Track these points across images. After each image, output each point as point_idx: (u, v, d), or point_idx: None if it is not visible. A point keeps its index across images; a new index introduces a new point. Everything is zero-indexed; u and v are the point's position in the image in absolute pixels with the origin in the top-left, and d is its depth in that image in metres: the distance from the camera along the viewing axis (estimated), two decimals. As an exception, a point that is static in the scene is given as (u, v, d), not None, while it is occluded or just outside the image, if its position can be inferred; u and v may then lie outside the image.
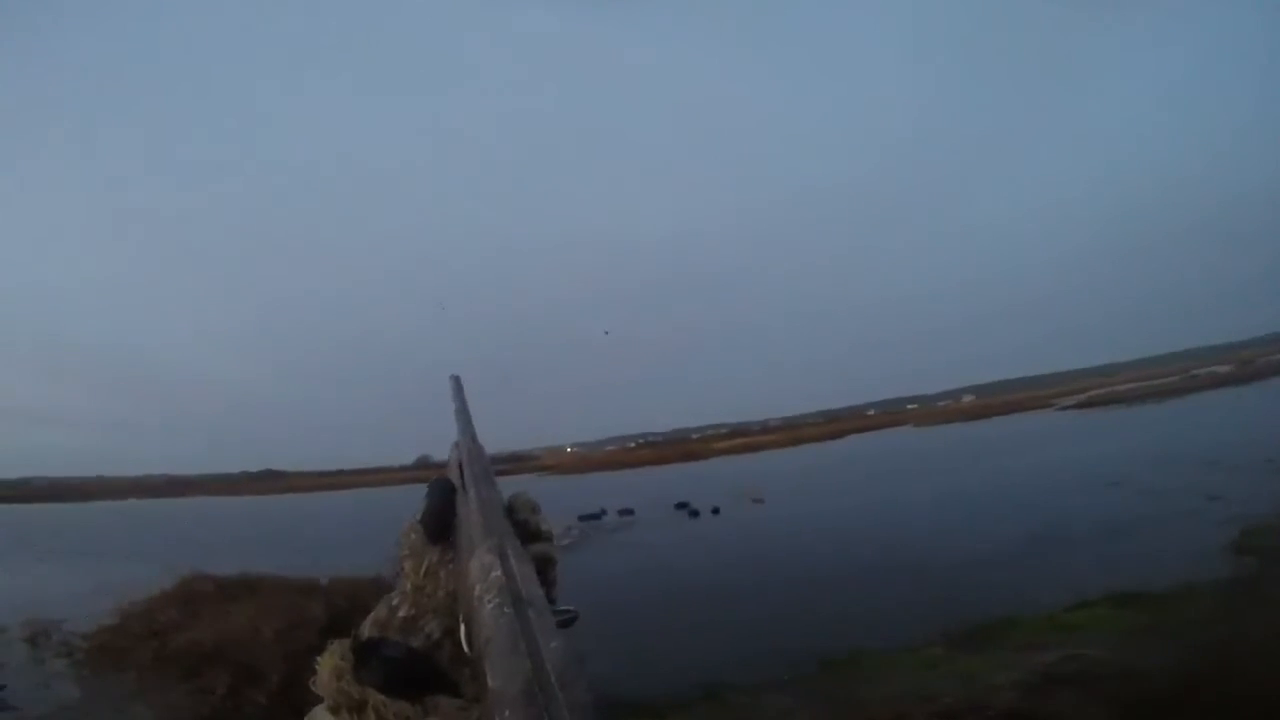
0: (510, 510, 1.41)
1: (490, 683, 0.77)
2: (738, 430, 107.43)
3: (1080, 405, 79.61)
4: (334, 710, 1.15)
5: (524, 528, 1.42)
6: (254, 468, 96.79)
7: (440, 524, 1.46)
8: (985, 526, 23.76)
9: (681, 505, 37.57)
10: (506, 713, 0.67)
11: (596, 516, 37.08)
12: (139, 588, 17.92)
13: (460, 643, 1.11)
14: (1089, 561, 17.79)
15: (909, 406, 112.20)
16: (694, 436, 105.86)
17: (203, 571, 19.70)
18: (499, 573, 0.95)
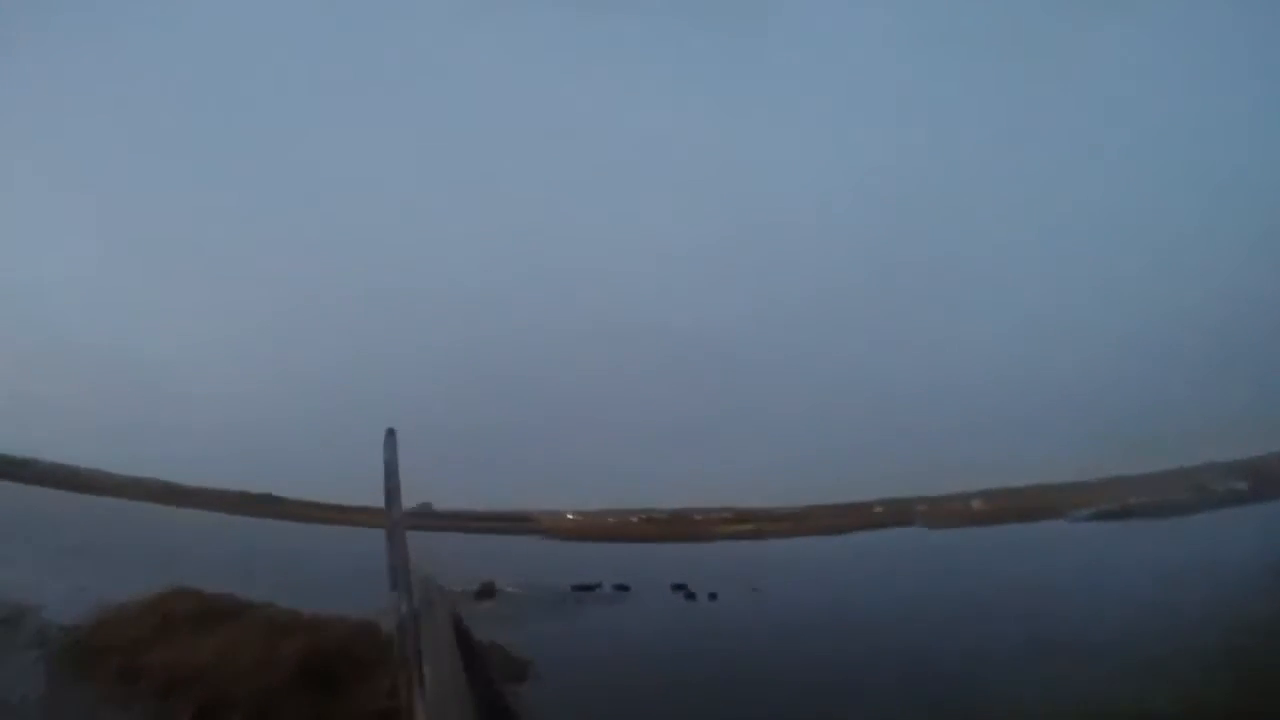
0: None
1: None
2: (741, 515, 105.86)
3: (1092, 517, 78.52)
4: None
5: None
6: (254, 489, 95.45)
7: None
8: (987, 633, 23.25)
9: (679, 587, 36.97)
10: None
11: (590, 589, 36.60)
12: (121, 590, 17.61)
13: None
14: (1089, 672, 17.38)
15: (918, 506, 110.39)
16: (696, 517, 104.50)
17: (187, 586, 19.33)
18: None
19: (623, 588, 37.25)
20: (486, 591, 34.42)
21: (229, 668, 12.67)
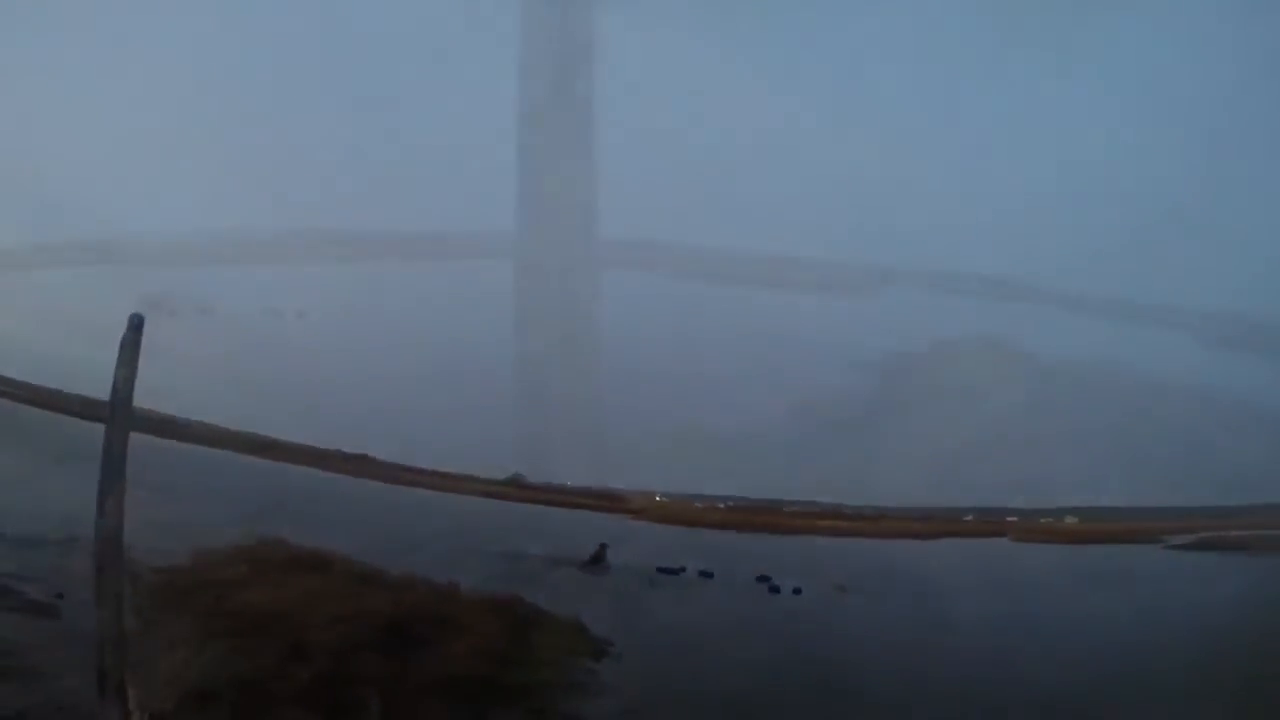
0: None
1: None
2: (827, 511, 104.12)
3: (1192, 545, 74.79)
4: None
5: None
6: (349, 448, 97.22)
7: None
8: (1068, 663, 22.43)
9: (763, 579, 36.73)
10: None
11: (675, 571, 36.61)
12: (212, 537, 18.26)
13: None
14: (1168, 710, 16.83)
15: (1009, 518, 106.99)
16: (784, 509, 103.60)
17: (279, 536, 19.96)
18: None
19: (707, 574, 37.23)
20: (597, 558, 34.73)
21: (314, 616, 13.07)
